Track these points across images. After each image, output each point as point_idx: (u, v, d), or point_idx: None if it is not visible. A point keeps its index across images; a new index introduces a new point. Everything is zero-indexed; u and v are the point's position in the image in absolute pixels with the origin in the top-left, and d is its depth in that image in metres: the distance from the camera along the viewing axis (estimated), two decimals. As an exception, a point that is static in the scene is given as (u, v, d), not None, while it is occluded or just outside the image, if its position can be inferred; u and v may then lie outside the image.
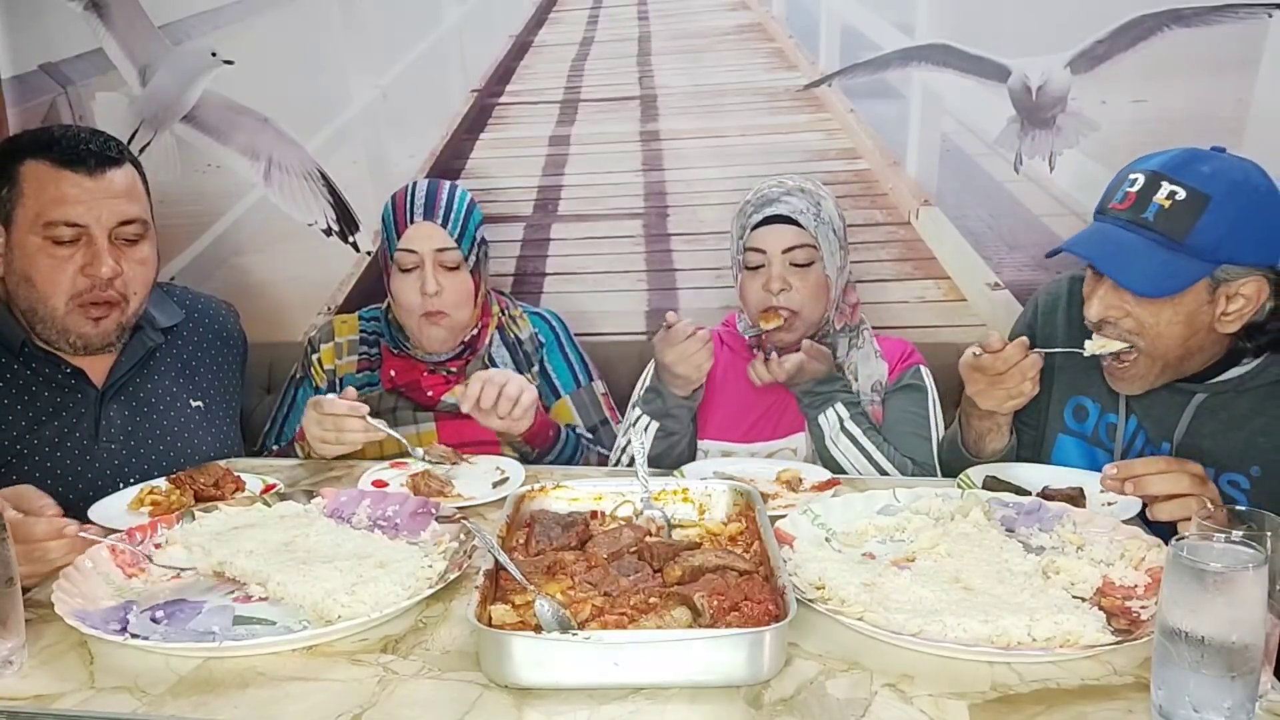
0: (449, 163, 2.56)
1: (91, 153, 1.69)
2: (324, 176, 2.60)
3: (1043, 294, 1.87)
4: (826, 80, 2.39)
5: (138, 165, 1.78)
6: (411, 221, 1.94)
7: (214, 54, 2.55)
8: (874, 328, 2.07)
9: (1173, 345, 1.51)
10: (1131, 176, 1.51)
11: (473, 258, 1.98)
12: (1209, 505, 1.32)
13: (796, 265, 1.87)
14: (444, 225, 1.94)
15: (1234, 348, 1.55)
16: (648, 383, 2.01)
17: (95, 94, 2.63)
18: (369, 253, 2.62)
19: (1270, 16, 2.14)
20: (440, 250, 1.94)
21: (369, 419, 1.75)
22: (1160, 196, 1.46)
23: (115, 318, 1.74)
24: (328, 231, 2.63)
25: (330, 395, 1.80)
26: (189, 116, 2.60)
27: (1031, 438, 1.81)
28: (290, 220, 2.63)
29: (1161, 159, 1.51)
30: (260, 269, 2.67)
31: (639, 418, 1.91)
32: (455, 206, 1.97)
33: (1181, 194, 1.45)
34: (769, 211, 1.87)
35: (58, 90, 2.64)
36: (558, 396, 2.11)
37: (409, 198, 1.97)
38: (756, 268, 1.89)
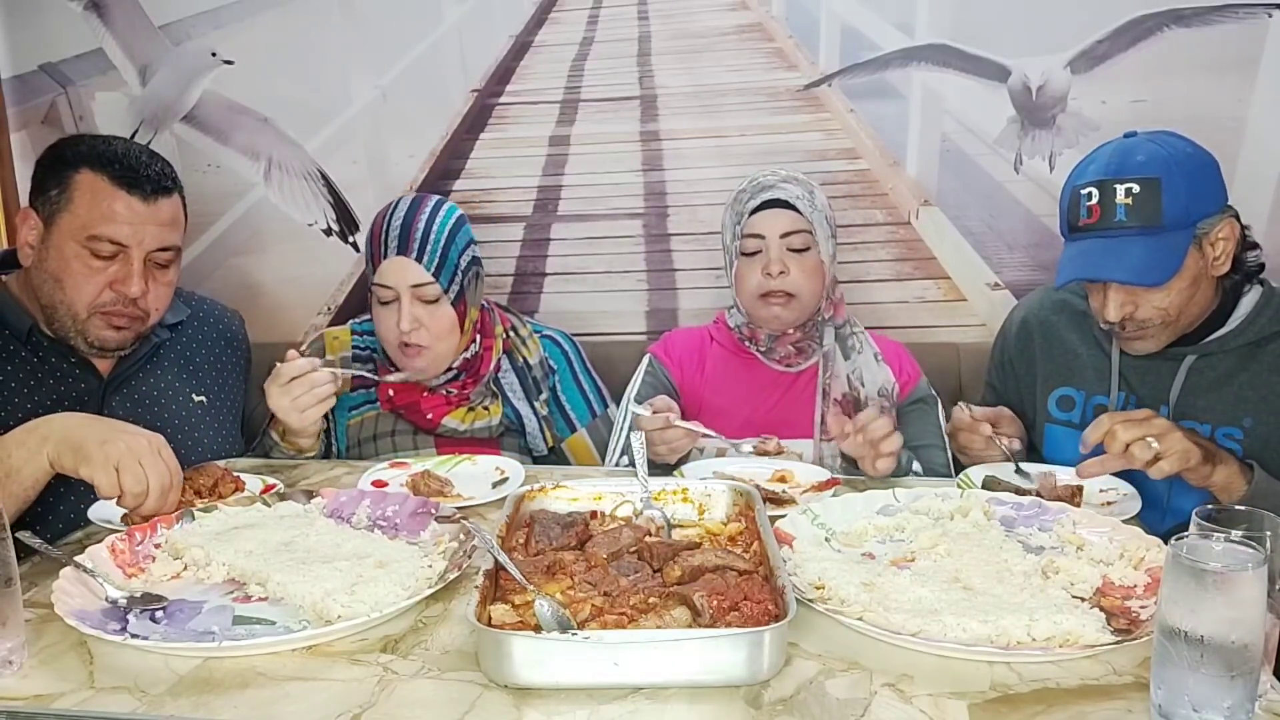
0: (449, 163, 2.56)
1: (149, 178, 1.72)
2: (324, 176, 2.60)
3: (1016, 309, 2.00)
4: (826, 80, 2.39)
5: (182, 193, 1.81)
6: (385, 255, 1.87)
7: (214, 54, 2.56)
8: (873, 327, 2.07)
9: (1183, 306, 1.64)
10: (1085, 191, 1.63)
11: (454, 288, 1.89)
12: (1151, 443, 1.43)
13: (793, 250, 1.88)
14: (419, 259, 1.85)
15: (1222, 296, 1.68)
16: (638, 384, 2.01)
17: (95, 94, 2.63)
18: (369, 253, 2.62)
19: (1270, 16, 2.15)
20: (415, 286, 1.86)
21: (331, 369, 1.74)
22: (1120, 197, 1.59)
23: (134, 329, 1.77)
24: (328, 231, 2.63)
25: (278, 365, 1.76)
26: (189, 116, 2.60)
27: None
28: (290, 220, 2.63)
29: (1097, 166, 1.63)
30: (260, 269, 2.67)
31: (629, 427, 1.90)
32: (433, 237, 1.87)
33: (1135, 187, 1.58)
34: (765, 197, 1.89)
35: (58, 90, 2.64)
36: (573, 430, 2.07)
37: (385, 226, 1.89)
38: (753, 253, 1.90)
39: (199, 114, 2.60)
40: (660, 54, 2.45)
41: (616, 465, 1.95)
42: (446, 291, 1.89)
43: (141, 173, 1.72)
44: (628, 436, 1.92)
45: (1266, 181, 2.18)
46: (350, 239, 2.63)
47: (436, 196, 1.98)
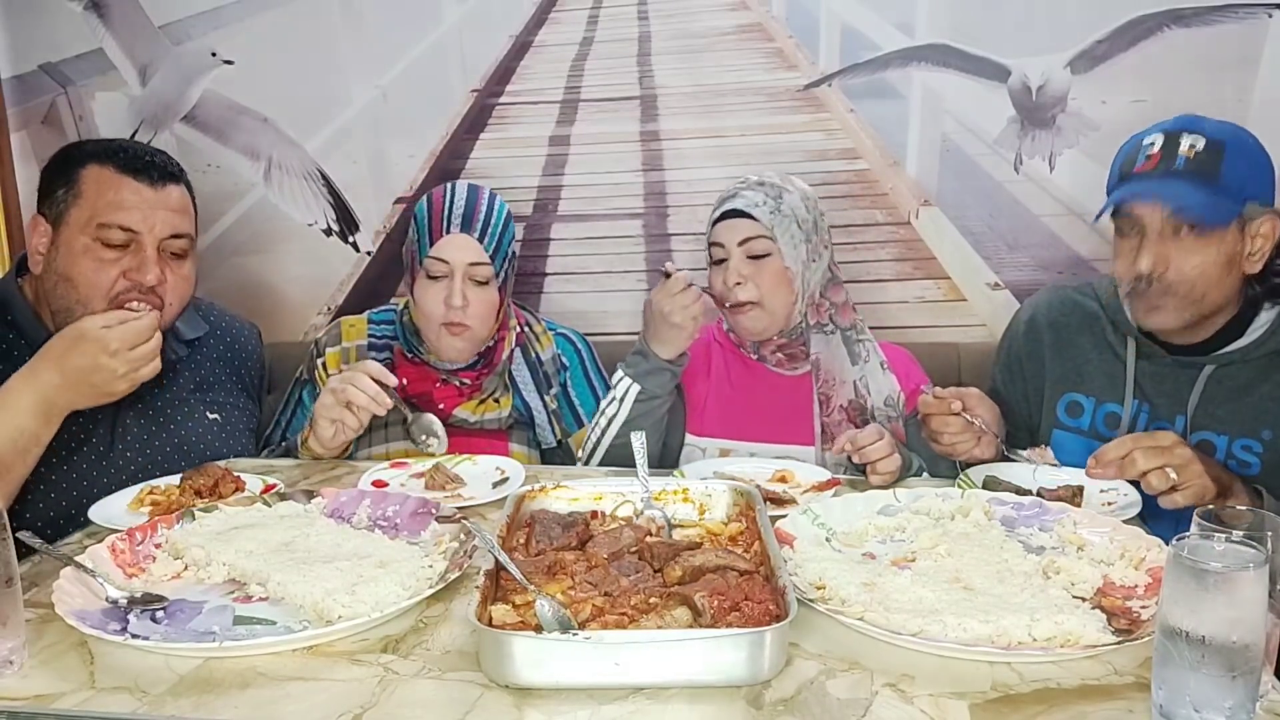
0: (449, 163, 2.56)
1: (154, 165, 1.73)
2: (324, 176, 2.60)
3: (1024, 309, 1.96)
4: (826, 80, 2.39)
5: (190, 190, 1.80)
6: (448, 231, 1.89)
7: (214, 54, 2.56)
8: (874, 328, 2.07)
9: (1210, 287, 1.59)
10: (1148, 140, 1.61)
11: (502, 274, 1.95)
12: (1170, 474, 1.40)
13: (753, 257, 1.89)
14: (480, 239, 1.89)
15: (1242, 305, 1.65)
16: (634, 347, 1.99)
17: (95, 94, 2.63)
18: (369, 253, 2.63)
19: (1270, 16, 2.15)
20: (473, 264, 1.89)
21: (390, 397, 1.74)
22: (1183, 148, 1.57)
23: None
24: (328, 231, 2.63)
25: (367, 363, 1.78)
26: (189, 116, 2.60)
27: (1026, 441, 1.84)
28: (290, 220, 2.63)
29: (1164, 125, 1.62)
30: (260, 269, 2.67)
31: (620, 380, 1.87)
32: (494, 220, 1.92)
33: (1200, 143, 1.56)
34: (725, 207, 1.91)
35: (58, 90, 2.64)
36: (580, 424, 2.08)
37: (447, 204, 1.91)
38: (720, 261, 1.92)
39: (199, 114, 2.60)
40: (660, 54, 2.45)
41: (587, 461, 1.92)
42: (497, 275, 1.93)
43: (146, 159, 1.72)
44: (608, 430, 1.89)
45: (1266, 181, 2.18)
46: (350, 239, 2.63)
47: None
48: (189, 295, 1.82)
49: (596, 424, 1.91)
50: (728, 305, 1.91)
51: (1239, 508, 1.01)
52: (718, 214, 1.92)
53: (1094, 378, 1.79)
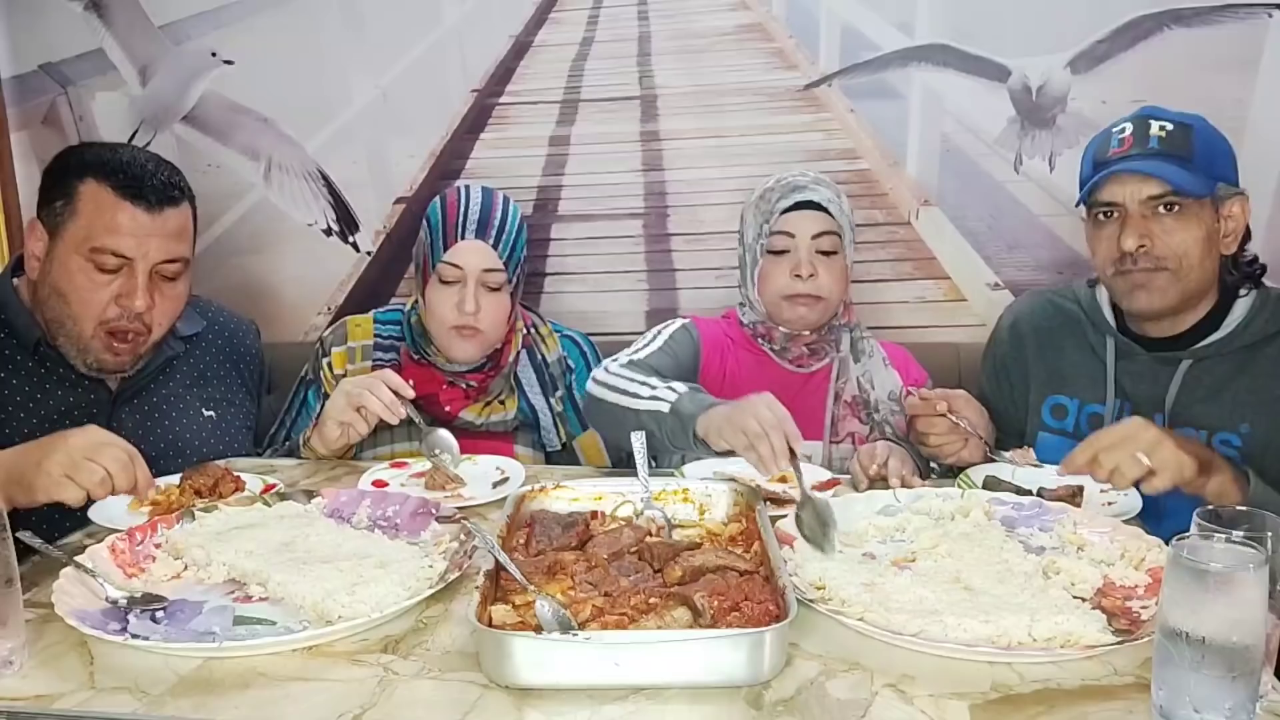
0: (449, 163, 2.56)
1: (155, 189, 1.69)
2: (324, 176, 2.60)
3: (1006, 314, 1.97)
4: (826, 80, 2.39)
5: (193, 202, 1.78)
6: (462, 237, 1.89)
7: (214, 54, 2.56)
8: (874, 328, 2.07)
9: (1194, 265, 1.61)
10: (1118, 127, 1.65)
11: (514, 280, 1.95)
12: (1141, 458, 1.37)
13: (822, 252, 1.88)
14: (494, 246, 1.89)
15: (1220, 295, 1.68)
16: (653, 347, 1.86)
17: (95, 94, 2.63)
18: (369, 253, 2.63)
19: (1270, 16, 2.15)
20: (486, 271, 1.89)
21: (406, 407, 1.74)
22: (1154, 130, 1.61)
23: (135, 346, 1.74)
24: (328, 231, 2.63)
25: (385, 372, 1.78)
26: (189, 116, 2.60)
27: (1013, 445, 1.83)
28: (290, 220, 2.63)
29: (1129, 115, 1.66)
30: (260, 269, 2.67)
31: (666, 392, 1.64)
32: (508, 226, 1.92)
33: (1169, 125, 1.61)
34: (799, 197, 1.88)
35: (58, 90, 2.64)
36: (585, 428, 2.07)
37: (462, 208, 1.90)
38: (782, 252, 1.89)
39: (199, 114, 2.60)
40: (660, 54, 2.45)
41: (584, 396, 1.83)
42: (509, 281, 1.93)
43: (147, 183, 1.68)
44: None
45: (1267, 182, 2.18)
46: (350, 239, 2.62)
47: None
48: (179, 311, 1.80)
49: (625, 382, 1.71)
50: (786, 296, 1.88)
51: (1238, 508, 1.00)
52: (787, 204, 1.88)
53: (1076, 379, 1.80)
